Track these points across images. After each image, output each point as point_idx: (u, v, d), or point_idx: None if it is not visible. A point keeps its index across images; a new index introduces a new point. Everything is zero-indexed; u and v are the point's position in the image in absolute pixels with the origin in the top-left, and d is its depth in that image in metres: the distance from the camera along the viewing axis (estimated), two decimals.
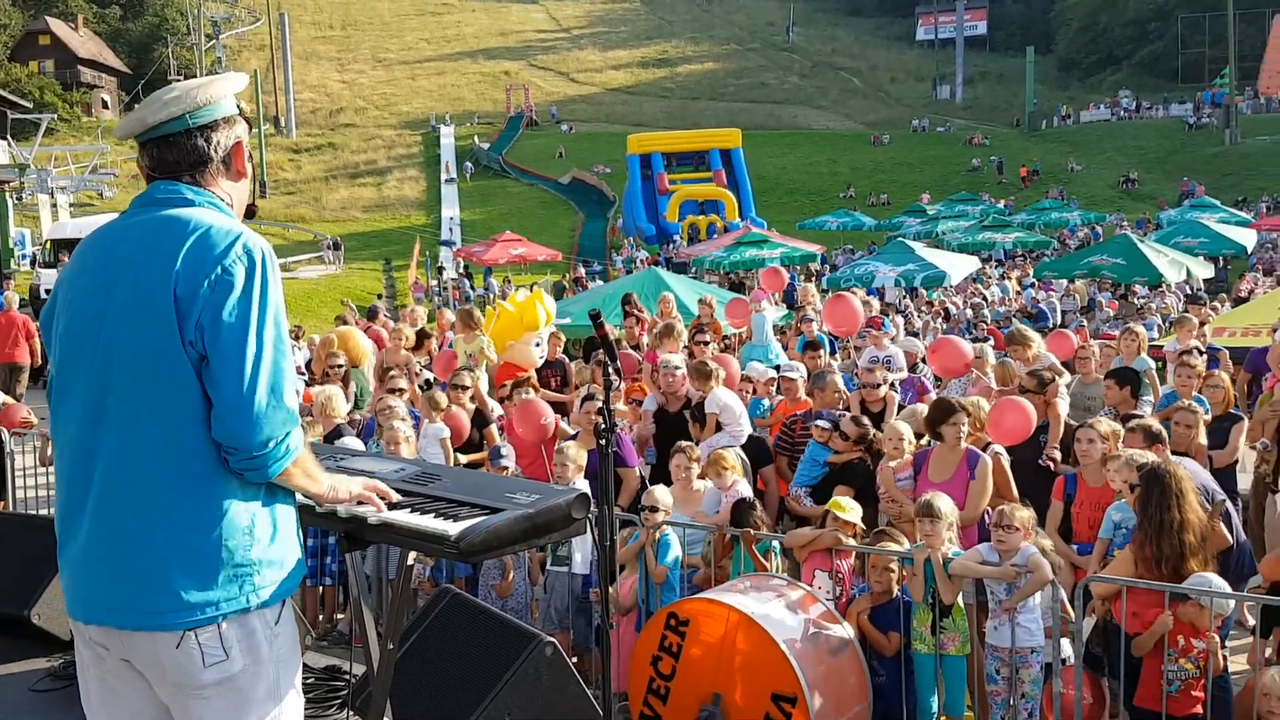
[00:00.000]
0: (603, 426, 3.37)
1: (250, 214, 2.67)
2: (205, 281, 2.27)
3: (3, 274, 26.67)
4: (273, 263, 2.38)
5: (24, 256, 30.94)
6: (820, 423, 6.74)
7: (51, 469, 8.28)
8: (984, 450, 6.17)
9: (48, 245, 28.34)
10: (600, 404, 3.46)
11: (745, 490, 6.32)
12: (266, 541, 2.38)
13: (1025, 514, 5.10)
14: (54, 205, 35.16)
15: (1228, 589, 4.71)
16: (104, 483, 2.31)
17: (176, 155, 2.46)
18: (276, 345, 2.31)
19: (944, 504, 5.24)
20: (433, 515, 2.66)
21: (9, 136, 34.81)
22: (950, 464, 6.05)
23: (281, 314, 2.36)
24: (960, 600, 5.10)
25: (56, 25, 75.40)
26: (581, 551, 6.07)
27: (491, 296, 32.88)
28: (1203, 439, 6.53)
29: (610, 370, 3.47)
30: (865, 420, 6.87)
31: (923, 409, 6.99)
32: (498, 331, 10.10)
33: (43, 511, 8.43)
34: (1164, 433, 5.96)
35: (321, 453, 3.26)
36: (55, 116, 50.24)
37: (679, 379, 7.76)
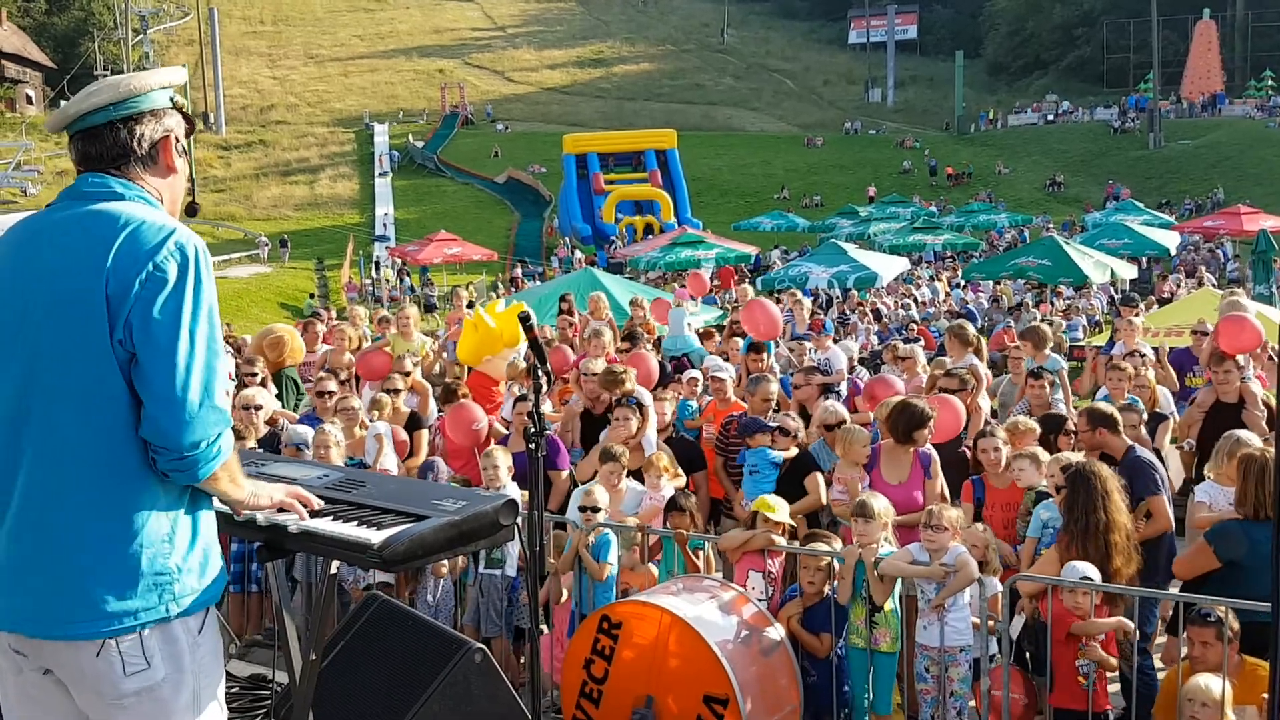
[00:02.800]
0: (532, 430, 3.33)
1: (191, 212, 2.61)
2: (137, 279, 2.20)
3: None
4: (206, 260, 2.31)
5: None
6: (761, 434, 6.71)
7: None
8: None
9: None
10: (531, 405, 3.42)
11: (670, 493, 6.33)
12: (185, 549, 2.32)
13: (954, 513, 5.17)
14: None
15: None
16: (26, 488, 2.22)
17: (99, 148, 2.39)
18: (209, 344, 2.25)
19: (879, 504, 5.29)
20: (355, 523, 2.60)
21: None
22: (904, 464, 6.16)
23: (215, 312, 2.30)
24: (893, 598, 5.15)
25: None
26: (514, 555, 6.02)
27: (431, 296, 32.62)
28: (1143, 436, 6.70)
29: (539, 373, 3.44)
30: (796, 417, 6.99)
31: (835, 407, 7.08)
32: (476, 344, 9.60)
33: None
34: (1116, 416, 6.09)
35: (243, 458, 3.18)
36: None
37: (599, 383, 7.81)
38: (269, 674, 4.67)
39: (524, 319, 3.53)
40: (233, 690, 4.46)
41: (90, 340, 2.20)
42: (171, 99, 2.46)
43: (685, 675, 4.75)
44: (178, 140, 2.47)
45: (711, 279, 26.60)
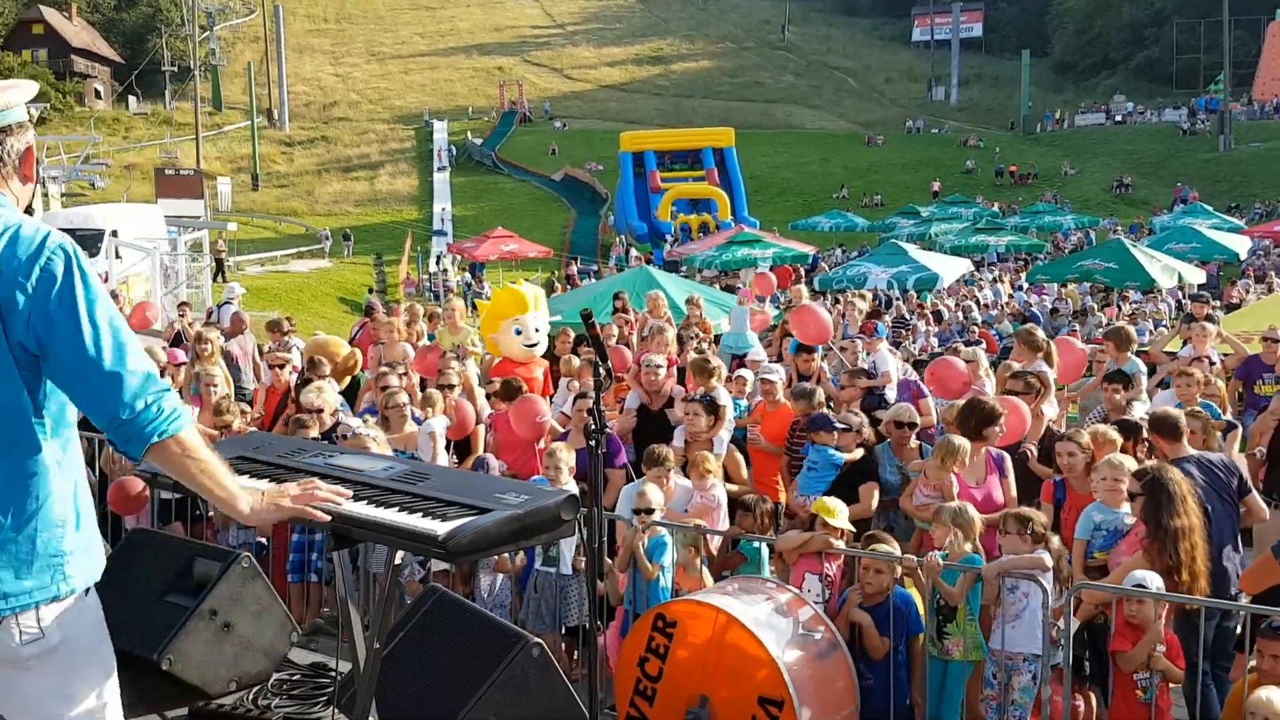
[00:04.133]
0: (593, 427, 3.33)
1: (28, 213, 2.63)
2: (29, 283, 2.30)
3: None
4: (82, 254, 2.39)
5: None
6: (825, 431, 6.67)
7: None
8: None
9: None
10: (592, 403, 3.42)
11: (721, 494, 6.31)
12: (73, 530, 2.42)
13: (1042, 518, 5.17)
14: (45, 195, 34.90)
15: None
16: None
17: None
18: (111, 322, 2.34)
19: (975, 513, 5.28)
20: (421, 514, 2.63)
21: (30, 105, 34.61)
22: (978, 464, 6.12)
23: (107, 296, 2.38)
24: (966, 605, 5.10)
25: (50, 14, 74.95)
26: (571, 552, 6.04)
27: (481, 293, 32.87)
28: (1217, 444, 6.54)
29: (601, 370, 3.44)
30: (859, 413, 6.99)
31: (909, 409, 7.02)
32: (482, 329, 9.92)
33: None
34: (1142, 428, 5.98)
35: (310, 449, 3.23)
36: (48, 106, 49.96)
37: (661, 378, 7.84)
38: (329, 662, 4.73)
39: (585, 316, 3.53)
40: (294, 678, 4.54)
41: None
42: (28, 112, 2.54)
43: (740, 676, 4.73)
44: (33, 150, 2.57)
45: None
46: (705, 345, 9.75)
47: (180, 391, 8.47)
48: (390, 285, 37.56)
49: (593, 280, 30.85)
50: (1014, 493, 6.16)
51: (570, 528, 2.72)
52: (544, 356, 9.79)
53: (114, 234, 25.05)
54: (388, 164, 64.06)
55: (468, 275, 36.93)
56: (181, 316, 15.18)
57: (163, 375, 8.61)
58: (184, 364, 9.73)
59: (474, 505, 2.67)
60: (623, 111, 77.18)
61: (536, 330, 9.37)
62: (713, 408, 7.00)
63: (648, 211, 43.96)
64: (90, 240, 24.58)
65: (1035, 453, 6.80)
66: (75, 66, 73.71)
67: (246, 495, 2.53)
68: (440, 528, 2.54)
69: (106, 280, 20.43)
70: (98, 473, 7.36)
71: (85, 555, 2.46)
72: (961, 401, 6.68)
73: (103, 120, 67.64)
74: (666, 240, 40.32)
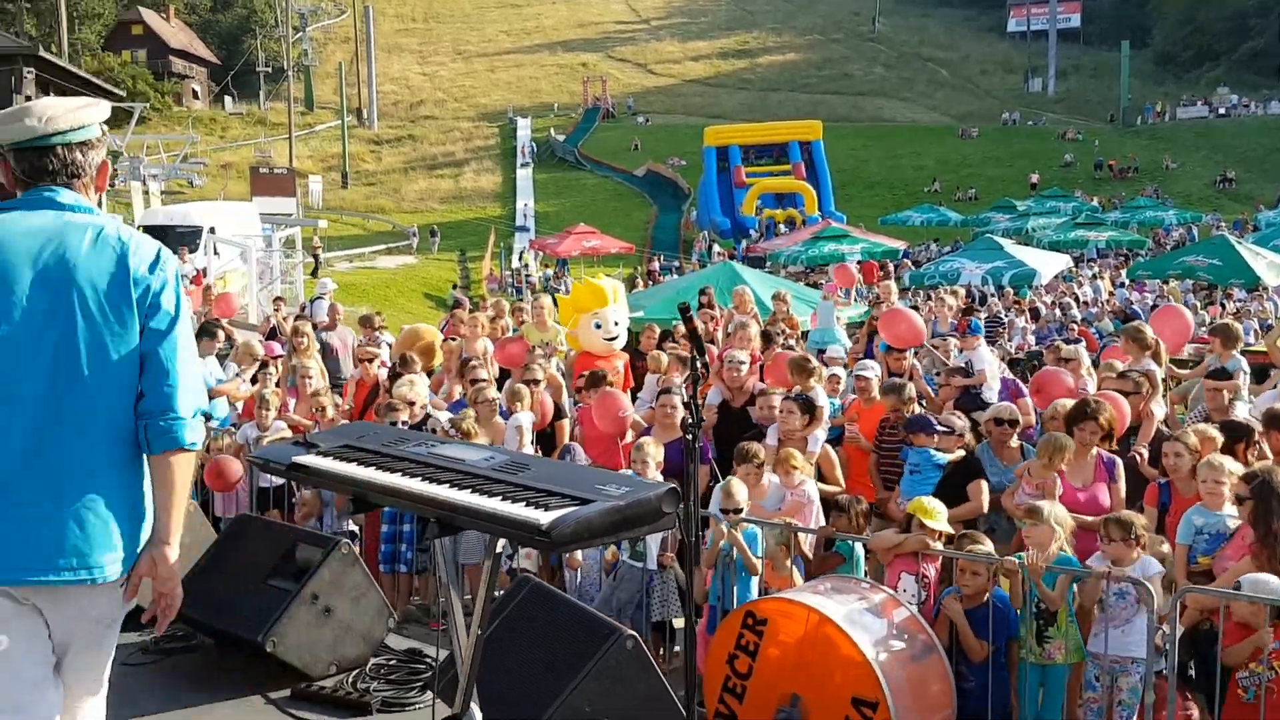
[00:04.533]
0: (689, 421, 3.32)
1: None
2: (150, 289, 2.66)
3: None
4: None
5: None
6: (927, 434, 6.56)
7: None
8: None
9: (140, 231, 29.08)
10: (684, 397, 3.41)
11: (812, 491, 6.24)
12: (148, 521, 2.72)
13: (1142, 521, 5.02)
14: (145, 192, 36.06)
15: None
16: (51, 463, 2.56)
17: (52, 164, 2.75)
18: (189, 341, 2.75)
19: (1059, 511, 5.14)
20: (524, 504, 2.64)
21: (103, 125, 35.84)
22: (1086, 468, 5.99)
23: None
24: (1068, 608, 4.98)
25: (149, 15, 77.36)
26: (657, 546, 6.04)
27: (559, 289, 33.10)
28: None
29: (699, 363, 3.42)
30: (961, 415, 6.86)
31: (1010, 408, 6.87)
32: (561, 323, 10.07)
33: None
34: (1253, 431, 5.77)
35: (412, 439, 3.27)
36: (147, 105, 51.54)
37: (744, 374, 7.79)
38: (423, 649, 4.80)
39: (683, 310, 3.52)
40: (390, 663, 4.61)
41: (121, 337, 2.60)
42: (104, 129, 2.82)
43: (833, 676, 4.68)
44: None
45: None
46: (794, 342, 9.66)
47: (278, 382, 8.68)
48: (473, 281, 38.02)
49: (674, 276, 30.83)
50: (1122, 498, 5.98)
51: (671, 520, 2.71)
52: (628, 352, 9.85)
53: (211, 231, 25.79)
54: (472, 161, 64.84)
55: (548, 271, 37.22)
56: (276, 311, 15.54)
57: (264, 367, 8.87)
58: (280, 356, 9.97)
59: (576, 496, 2.67)
60: (707, 106, 76.90)
61: (616, 324, 9.48)
62: (808, 406, 6.93)
63: (731, 207, 43.77)
64: (189, 237, 25.35)
65: (1145, 456, 6.58)
66: (173, 67, 75.94)
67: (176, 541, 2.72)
68: (543, 517, 2.55)
69: (205, 275, 21.04)
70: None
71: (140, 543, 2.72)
72: (1067, 403, 6.51)
73: (200, 120, 69.62)
74: (751, 234, 40.06)
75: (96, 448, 2.59)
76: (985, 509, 6.18)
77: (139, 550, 2.66)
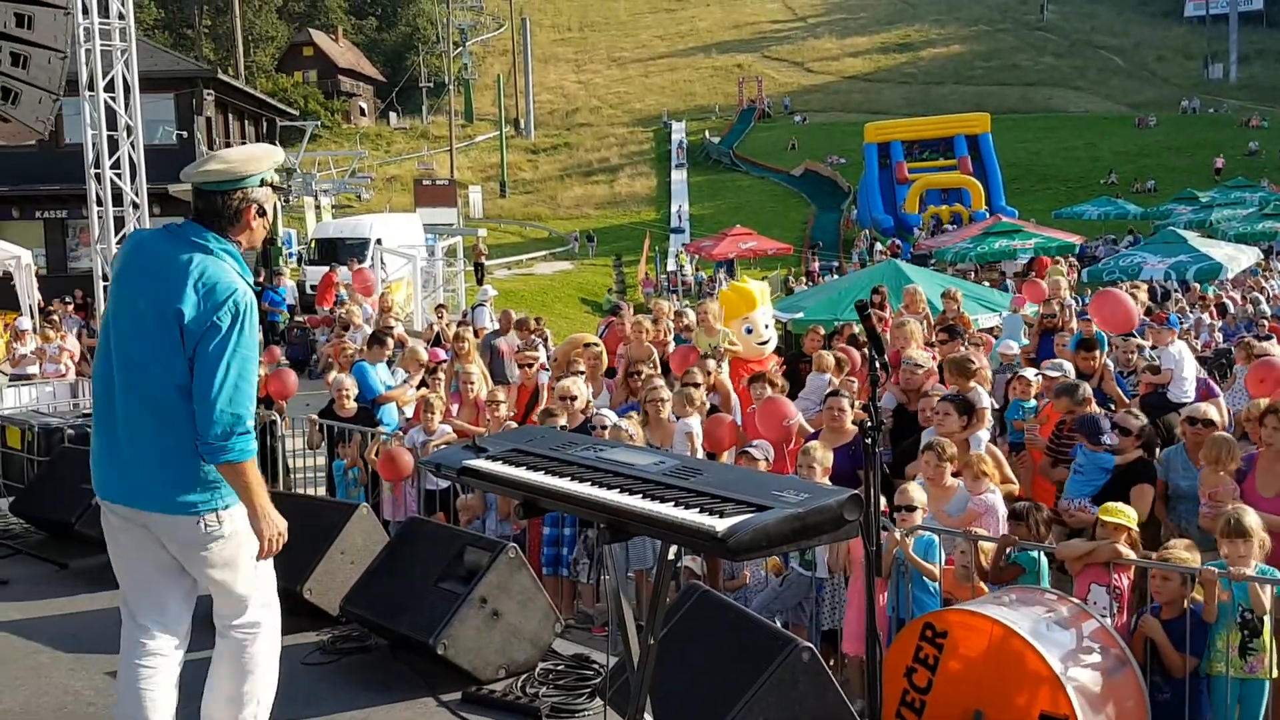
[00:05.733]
0: (869, 424, 3.15)
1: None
2: (207, 323, 3.23)
3: (274, 271, 28.90)
4: (251, 311, 3.31)
5: (291, 255, 33.45)
6: (1091, 436, 6.18)
7: (319, 451, 8.80)
8: None
9: (312, 244, 30.52)
10: (852, 399, 3.24)
11: (996, 500, 5.93)
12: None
13: None
14: (317, 207, 37.79)
15: None
16: (124, 419, 3.35)
17: (204, 205, 3.43)
18: (240, 374, 3.26)
19: (1253, 520, 4.73)
20: (698, 510, 2.54)
21: (278, 143, 37.76)
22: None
23: (251, 349, 3.31)
24: (1269, 620, 4.59)
25: (319, 37, 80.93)
26: (827, 553, 5.85)
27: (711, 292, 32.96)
28: None
29: (877, 365, 3.25)
30: (1140, 414, 6.36)
31: (1204, 407, 6.40)
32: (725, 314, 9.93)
33: (313, 491, 8.97)
34: None
35: (580, 442, 3.21)
36: (319, 124, 53.98)
37: (920, 377, 7.53)
38: (589, 654, 4.76)
39: (860, 308, 3.35)
40: (558, 668, 4.58)
41: (171, 344, 3.25)
42: (262, 179, 3.43)
43: (1020, 692, 4.41)
44: (260, 206, 3.45)
45: (1028, 270, 25.06)
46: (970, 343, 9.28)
47: (443, 387, 8.85)
48: (629, 286, 38.29)
49: (834, 276, 30.31)
50: None
51: (854, 528, 2.56)
52: (787, 353, 9.73)
53: (378, 242, 26.76)
54: (627, 166, 65.42)
55: (701, 274, 37.11)
56: (440, 319, 15.94)
57: (432, 373, 9.09)
58: (444, 362, 10.17)
59: (752, 502, 2.56)
60: (866, 102, 75.35)
61: (766, 327, 9.44)
62: (966, 407, 6.63)
63: (893, 204, 42.77)
64: (358, 248, 26.39)
65: None
66: (342, 86, 79.23)
67: (273, 512, 3.38)
68: (719, 524, 2.45)
69: (375, 283, 21.82)
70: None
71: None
72: (1263, 403, 6.01)
73: (366, 135, 72.45)
74: (916, 232, 39.04)
75: (150, 417, 3.32)
76: (1146, 516, 5.77)
77: (209, 498, 3.34)
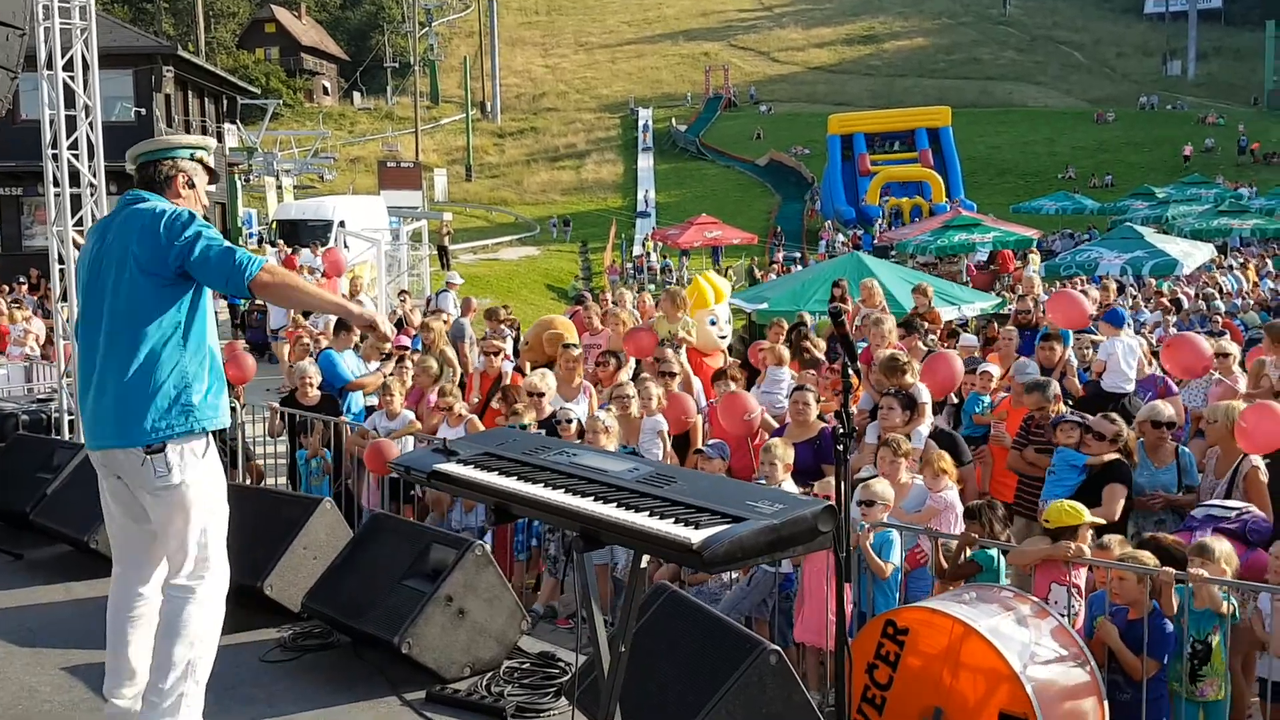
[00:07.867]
0: (841, 431, 3.16)
1: None
2: (167, 236, 3.49)
3: None
4: (194, 214, 3.62)
5: (251, 235, 32.99)
6: (1067, 427, 6.25)
7: (280, 439, 8.72)
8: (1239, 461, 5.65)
9: (273, 225, 30.13)
10: (814, 395, 3.24)
11: (953, 496, 5.99)
12: (204, 393, 3.59)
13: None
14: (279, 187, 37.28)
15: None
16: (103, 360, 3.54)
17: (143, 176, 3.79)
18: (208, 230, 3.53)
19: (1223, 547, 4.82)
20: (673, 520, 2.54)
21: (238, 121, 37.18)
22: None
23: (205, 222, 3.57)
24: (1217, 644, 4.68)
25: (281, 13, 79.76)
26: None
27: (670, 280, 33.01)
28: None
29: (850, 370, 3.26)
30: (1118, 418, 6.39)
31: (1163, 406, 6.49)
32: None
33: (274, 480, 8.89)
34: None
35: (553, 447, 3.20)
36: (280, 102, 53.24)
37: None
38: (556, 651, 4.75)
39: (834, 314, 3.36)
40: (524, 666, 4.57)
41: (130, 279, 3.48)
42: (191, 154, 3.74)
43: (979, 690, 4.46)
44: (189, 178, 3.74)
45: (989, 263, 25.28)
46: (935, 339, 9.35)
47: (409, 375, 8.77)
48: (595, 273, 38.18)
49: (798, 267, 30.42)
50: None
51: (827, 539, 2.57)
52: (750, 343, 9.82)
53: (341, 224, 26.46)
54: (593, 153, 65.17)
55: (669, 261, 37.12)
56: (402, 303, 15.82)
57: (398, 361, 9.06)
58: (406, 348, 10.10)
59: (727, 513, 2.56)
60: (831, 94, 75.61)
61: (727, 321, 9.71)
62: (909, 402, 6.69)
63: (855, 196, 42.98)
64: (321, 230, 26.09)
65: None
66: (304, 64, 78.21)
67: (349, 304, 3.78)
68: (695, 536, 2.45)
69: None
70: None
71: (212, 411, 3.61)
72: (1224, 403, 6.11)
73: (329, 115, 71.59)
74: (878, 224, 39.27)
75: (111, 358, 3.51)
76: (1116, 516, 5.85)
77: (181, 423, 3.52)
